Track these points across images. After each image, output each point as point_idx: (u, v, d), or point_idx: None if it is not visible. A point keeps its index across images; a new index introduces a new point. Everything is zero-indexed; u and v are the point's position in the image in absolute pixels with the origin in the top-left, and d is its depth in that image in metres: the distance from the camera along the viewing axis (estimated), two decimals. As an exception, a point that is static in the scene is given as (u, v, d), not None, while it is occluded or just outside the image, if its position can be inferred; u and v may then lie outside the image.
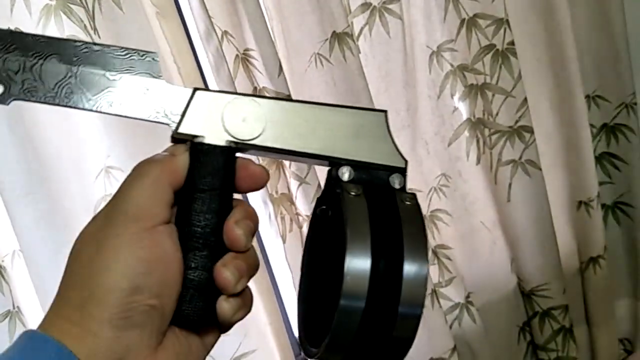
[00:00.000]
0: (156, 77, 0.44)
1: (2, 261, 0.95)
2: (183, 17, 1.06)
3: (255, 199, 1.08)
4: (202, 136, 0.43)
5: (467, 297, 1.28)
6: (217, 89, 0.49)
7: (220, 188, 0.43)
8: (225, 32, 1.04)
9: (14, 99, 0.43)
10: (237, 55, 1.05)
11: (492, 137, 1.26)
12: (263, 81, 1.04)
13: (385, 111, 0.47)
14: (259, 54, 1.03)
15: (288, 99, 0.48)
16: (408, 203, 0.44)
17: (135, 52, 0.45)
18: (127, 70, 0.44)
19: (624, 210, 1.45)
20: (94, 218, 0.42)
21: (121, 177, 0.99)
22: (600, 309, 1.41)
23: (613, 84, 1.35)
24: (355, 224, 0.42)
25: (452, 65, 1.23)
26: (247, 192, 0.47)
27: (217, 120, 0.44)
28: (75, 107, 0.44)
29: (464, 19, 1.20)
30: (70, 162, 0.97)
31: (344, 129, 0.46)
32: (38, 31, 0.92)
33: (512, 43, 1.20)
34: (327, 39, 1.08)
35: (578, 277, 1.40)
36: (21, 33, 0.45)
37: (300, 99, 1.08)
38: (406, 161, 0.46)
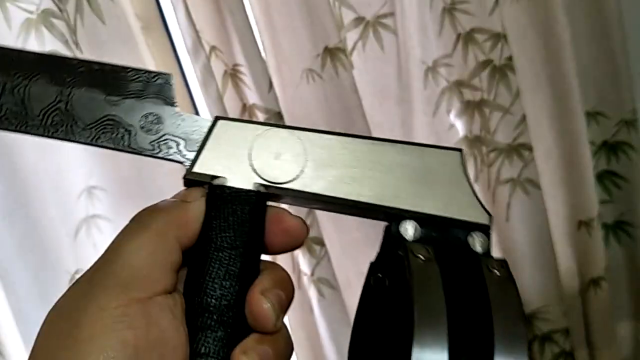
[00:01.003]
0: (169, 104, 0.37)
1: (-22, 286, 0.90)
2: (169, 32, 1.02)
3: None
4: (223, 177, 0.35)
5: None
6: (238, 118, 0.43)
7: (244, 246, 0.34)
8: (213, 47, 1.00)
9: None
10: (225, 71, 1.02)
11: (490, 155, 1.22)
12: (253, 97, 1.01)
13: (460, 150, 0.37)
14: (249, 70, 1.00)
15: (333, 132, 0.37)
16: (497, 273, 0.33)
17: (144, 73, 0.37)
18: (133, 94, 0.37)
19: (625, 230, 1.41)
20: (77, 281, 0.33)
21: (105, 198, 0.95)
22: (602, 332, 1.37)
23: (613, 100, 1.32)
24: (426, 301, 0.31)
25: (448, 81, 1.20)
26: (278, 252, 0.37)
27: (244, 158, 0.35)
28: (63, 139, 0.36)
29: (460, 34, 1.17)
30: (50, 181, 0.93)
31: (407, 171, 0.36)
32: (18, 46, 0.88)
33: (510, 58, 1.16)
34: (319, 54, 1.04)
35: (578, 299, 1.36)
36: (3, 48, 0.37)
37: (292, 117, 1.05)
38: (491, 216, 0.36)
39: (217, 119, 0.36)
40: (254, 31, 1.00)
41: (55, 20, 0.89)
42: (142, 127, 0.36)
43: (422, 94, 1.20)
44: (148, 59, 0.95)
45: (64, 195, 0.94)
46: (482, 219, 0.35)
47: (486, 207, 0.36)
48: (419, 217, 0.35)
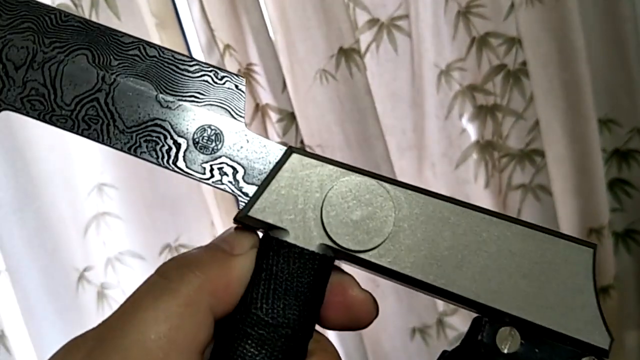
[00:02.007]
0: (235, 117, 0.29)
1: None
2: (183, 29, 1.01)
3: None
4: (284, 229, 0.28)
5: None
6: (313, 153, 0.30)
7: (296, 324, 0.27)
8: (227, 46, 0.99)
9: (5, 109, 0.29)
10: (239, 70, 1.01)
11: (502, 161, 1.21)
12: (266, 97, 1.00)
13: (594, 246, 0.29)
14: (263, 69, 0.99)
15: (434, 193, 0.29)
16: None
17: (211, 71, 0.29)
18: (191, 96, 0.29)
19: (634, 239, 1.40)
20: (75, 345, 0.26)
21: (115, 195, 0.94)
22: (610, 341, 1.36)
23: (625, 108, 1.31)
24: None
25: (461, 85, 1.19)
26: (333, 329, 0.30)
27: (314, 207, 0.28)
28: (94, 140, 0.29)
29: (474, 38, 1.16)
30: (60, 177, 0.92)
31: (522, 262, 0.28)
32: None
33: (524, 63, 1.16)
34: (333, 55, 1.03)
35: (587, 307, 1.35)
36: (42, 5, 0.29)
37: (305, 118, 1.04)
38: (612, 339, 0.29)
39: (290, 150, 0.29)
40: (269, 30, 1.00)
41: (69, 16, 0.88)
42: (195, 142, 0.29)
43: (434, 98, 1.19)
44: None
45: (74, 192, 0.93)
46: (602, 342, 0.28)
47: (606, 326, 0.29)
48: (523, 325, 0.28)
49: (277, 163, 0.29)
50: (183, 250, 0.97)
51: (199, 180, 0.29)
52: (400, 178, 1.14)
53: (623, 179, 1.37)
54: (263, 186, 0.28)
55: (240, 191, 0.29)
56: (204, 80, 0.30)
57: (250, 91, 1.01)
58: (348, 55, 1.04)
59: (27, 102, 0.29)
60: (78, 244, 0.94)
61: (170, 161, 0.29)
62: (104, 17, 0.88)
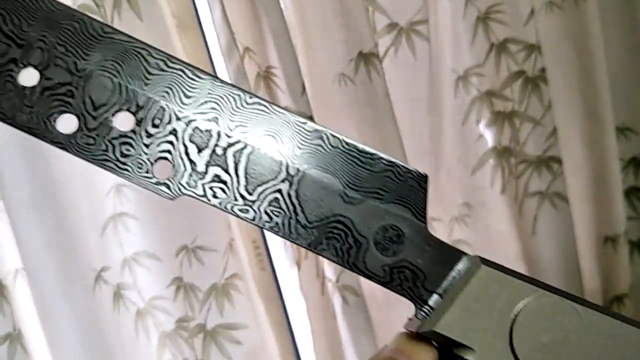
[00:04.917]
0: (418, 218, 0.28)
1: (4, 280, 0.90)
2: (203, 32, 1.02)
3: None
4: (471, 350, 0.26)
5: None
6: (502, 265, 0.28)
7: None
8: (247, 49, 1.00)
9: (185, 195, 0.28)
10: (258, 73, 1.01)
11: (519, 167, 1.21)
12: (285, 100, 1.00)
13: None
14: (282, 72, 0.99)
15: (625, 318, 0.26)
16: None
17: (394, 166, 0.28)
18: (375, 192, 0.28)
19: (650, 248, 1.39)
20: None
21: (133, 196, 0.94)
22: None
23: (642, 116, 1.31)
24: None
25: (478, 91, 1.19)
26: None
27: (503, 327, 0.26)
28: (276, 234, 0.28)
29: (493, 44, 1.16)
30: (80, 177, 0.92)
31: None
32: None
33: (543, 70, 1.15)
34: (352, 59, 1.03)
35: (601, 316, 1.34)
36: (226, 84, 0.29)
37: (323, 121, 1.04)
38: None
39: (480, 261, 0.27)
40: (290, 34, 1.00)
41: (91, 15, 0.88)
42: (376, 243, 0.28)
43: (452, 103, 1.19)
44: (182, 58, 0.94)
45: (93, 192, 0.94)
46: None
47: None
48: None
49: (463, 274, 0.27)
50: (200, 252, 0.97)
51: (377, 283, 0.28)
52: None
53: (639, 187, 1.37)
54: (449, 299, 0.26)
55: (420, 299, 0.27)
56: (386, 176, 0.29)
57: (268, 94, 1.01)
58: (367, 59, 1.04)
59: (209, 189, 0.29)
60: (95, 244, 0.94)
61: (351, 261, 0.28)
62: (126, 18, 0.89)
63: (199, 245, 0.97)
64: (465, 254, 0.28)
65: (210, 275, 0.97)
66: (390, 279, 0.28)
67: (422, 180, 0.28)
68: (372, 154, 0.29)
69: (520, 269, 1.25)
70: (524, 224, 1.23)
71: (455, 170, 1.21)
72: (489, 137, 1.22)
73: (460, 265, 0.27)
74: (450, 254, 0.28)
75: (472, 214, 1.21)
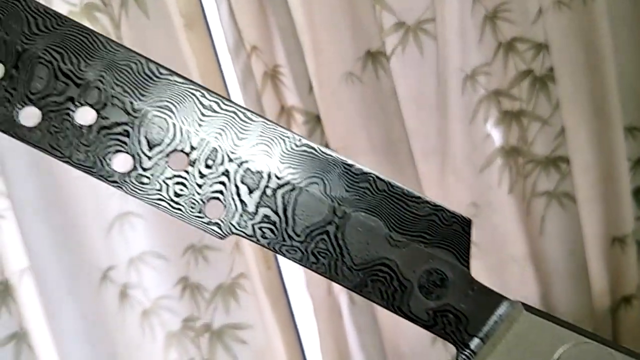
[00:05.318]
0: (461, 262, 0.28)
1: (11, 279, 0.89)
2: (210, 30, 1.01)
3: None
4: None
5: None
6: (545, 312, 0.29)
7: None
8: (254, 47, 0.99)
9: (235, 234, 0.29)
10: (265, 72, 1.00)
11: (526, 167, 1.20)
12: (292, 99, 1.00)
13: None
14: (289, 71, 0.98)
15: None
16: None
17: (439, 210, 0.28)
18: (419, 236, 0.28)
19: (657, 248, 1.38)
20: None
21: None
22: (631, 351, 1.35)
23: (651, 116, 1.30)
24: None
25: (486, 90, 1.18)
26: None
27: None
28: (323, 275, 0.28)
29: (500, 43, 1.15)
30: (85, 176, 0.92)
31: None
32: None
33: (551, 69, 1.15)
34: (360, 58, 1.03)
35: (609, 317, 1.34)
36: (277, 126, 0.29)
37: (331, 120, 1.04)
38: None
39: (519, 307, 0.27)
40: (297, 32, 0.99)
41: (98, 14, 0.88)
42: (420, 287, 0.28)
43: (459, 102, 1.18)
44: (189, 57, 0.94)
45: (99, 191, 0.93)
46: None
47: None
48: None
49: (505, 319, 0.27)
50: (207, 252, 0.97)
51: (421, 326, 0.28)
52: (422, 182, 1.13)
53: (647, 187, 1.36)
54: (491, 344, 0.27)
55: (462, 342, 0.28)
56: (431, 220, 0.29)
57: (275, 93, 1.01)
58: (375, 58, 1.03)
59: (259, 229, 0.29)
60: (101, 243, 0.93)
61: (395, 305, 0.29)
62: (134, 16, 0.88)
63: (205, 244, 0.97)
64: (506, 298, 0.28)
65: (217, 274, 0.97)
66: (434, 323, 0.28)
67: (466, 224, 0.29)
68: (417, 198, 0.29)
69: (528, 269, 1.25)
70: (532, 224, 1.23)
71: (463, 170, 1.20)
72: (496, 137, 1.21)
73: (502, 310, 0.28)
74: (492, 299, 0.28)
75: (479, 213, 1.21)
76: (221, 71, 1.02)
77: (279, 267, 1.10)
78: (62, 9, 0.88)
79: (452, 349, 1.07)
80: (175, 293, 0.95)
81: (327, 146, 1.01)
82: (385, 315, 1.10)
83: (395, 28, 1.12)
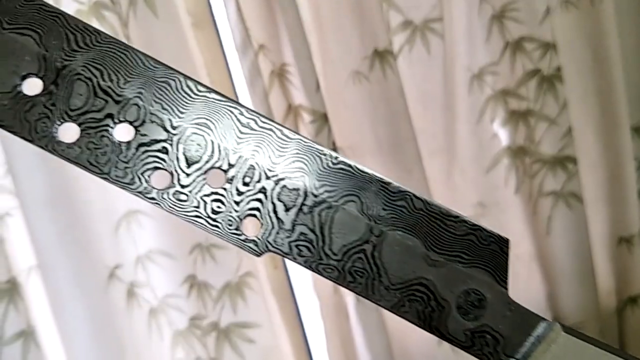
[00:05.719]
0: (499, 283, 0.28)
1: (18, 277, 0.89)
2: (218, 29, 1.01)
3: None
4: None
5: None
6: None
7: None
8: (261, 46, 0.99)
9: (271, 252, 0.29)
10: (272, 70, 1.00)
11: (533, 166, 1.20)
12: (299, 98, 1.00)
13: None
14: (297, 69, 0.98)
15: None
16: None
17: (476, 230, 0.28)
18: (458, 256, 0.28)
19: (664, 248, 1.38)
20: None
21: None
22: (637, 353, 1.34)
23: (657, 117, 1.30)
24: None
25: (493, 90, 1.18)
26: None
27: None
28: (360, 294, 0.28)
29: (508, 42, 1.15)
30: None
31: None
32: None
33: (558, 69, 1.14)
34: (367, 57, 1.03)
35: (615, 318, 1.33)
36: (312, 142, 0.29)
37: (337, 119, 1.04)
38: None
39: (557, 328, 0.27)
40: (305, 31, 0.99)
41: (106, 13, 0.88)
42: (458, 308, 0.28)
43: (466, 101, 1.18)
44: (197, 56, 0.94)
45: (107, 189, 0.93)
46: None
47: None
48: None
49: (543, 341, 0.27)
50: (214, 250, 0.97)
51: (458, 347, 0.28)
52: (429, 182, 1.13)
53: (654, 188, 1.36)
54: None
55: None
56: (469, 240, 0.29)
57: (282, 91, 1.01)
58: (382, 56, 1.03)
59: (295, 247, 0.29)
60: (109, 241, 0.94)
61: (433, 325, 0.28)
62: (142, 15, 0.88)
63: (212, 243, 0.97)
64: (544, 319, 0.28)
65: (224, 273, 0.97)
66: (472, 344, 0.28)
67: (504, 244, 0.28)
68: (455, 217, 0.29)
69: (534, 269, 1.25)
70: (538, 224, 1.23)
71: (470, 170, 1.20)
72: (503, 136, 1.21)
73: (539, 331, 0.27)
74: (530, 319, 0.28)
75: (486, 213, 1.21)
76: (229, 70, 1.02)
77: (285, 266, 1.10)
78: (70, 7, 0.88)
79: (459, 350, 1.08)
80: (182, 291, 0.95)
81: (333, 145, 1.01)
82: (391, 316, 1.10)
83: (402, 27, 1.12)
